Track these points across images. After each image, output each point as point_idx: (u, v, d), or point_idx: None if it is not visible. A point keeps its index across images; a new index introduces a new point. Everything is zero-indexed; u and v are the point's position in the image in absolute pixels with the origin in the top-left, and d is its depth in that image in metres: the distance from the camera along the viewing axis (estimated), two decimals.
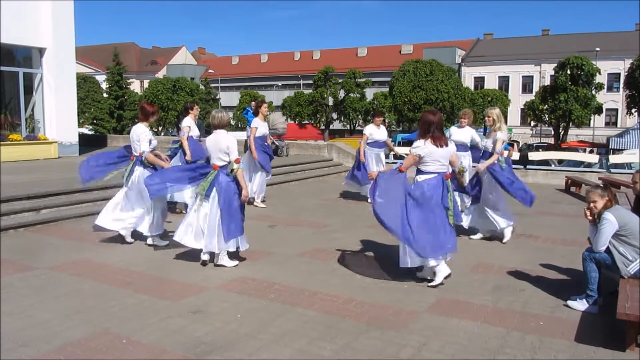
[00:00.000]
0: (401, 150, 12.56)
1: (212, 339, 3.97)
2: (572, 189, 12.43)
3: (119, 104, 43.16)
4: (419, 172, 5.34)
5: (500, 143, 7.14)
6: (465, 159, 8.39)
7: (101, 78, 52.48)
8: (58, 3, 15.21)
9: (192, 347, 3.84)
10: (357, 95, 46.40)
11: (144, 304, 4.71)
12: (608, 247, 4.55)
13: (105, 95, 46.73)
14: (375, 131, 10.26)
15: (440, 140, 5.24)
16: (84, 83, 49.90)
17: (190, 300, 4.80)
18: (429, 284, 5.24)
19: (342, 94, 46.60)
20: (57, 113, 15.57)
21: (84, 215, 8.49)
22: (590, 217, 4.76)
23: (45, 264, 5.92)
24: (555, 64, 37.78)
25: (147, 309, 4.60)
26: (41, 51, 15.37)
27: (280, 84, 62.46)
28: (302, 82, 62.16)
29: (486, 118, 7.24)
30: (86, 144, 18.76)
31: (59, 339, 3.96)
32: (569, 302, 4.73)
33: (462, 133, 8.55)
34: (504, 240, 7.13)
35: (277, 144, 16.20)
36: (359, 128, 49.31)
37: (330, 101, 47.24)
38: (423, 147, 5.23)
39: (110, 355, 3.71)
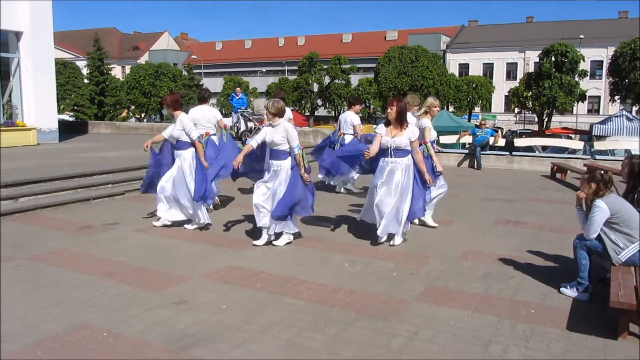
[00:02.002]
0: None
1: (197, 331, 3.84)
2: (558, 175, 12.45)
3: (100, 90, 42.27)
4: (404, 153, 5.97)
5: None
6: None
7: (82, 64, 51.41)
8: None
9: (175, 339, 3.71)
10: (342, 81, 46.15)
11: (126, 295, 4.56)
12: (599, 235, 4.50)
13: (85, 81, 45.79)
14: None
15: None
16: (64, 69, 48.81)
17: (174, 291, 4.66)
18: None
19: (327, 80, 46.31)
20: (36, 99, 15.20)
21: (64, 204, 8.29)
22: (578, 202, 4.76)
23: (24, 254, 5.73)
24: (539, 51, 37.92)
25: (129, 300, 4.45)
26: (18, 35, 14.94)
27: (264, 70, 61.90)
28: (286, 68, 61.66)
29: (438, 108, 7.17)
30: (66, 130, 18.39)
31: (36, 333, 3.80)
32: (561, 289, 4.69)
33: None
34: None
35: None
36: None
37: (315, 87, 46.94)
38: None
39: (89, 350, 3.56)
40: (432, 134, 7.11)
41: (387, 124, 6.04)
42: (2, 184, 8.12)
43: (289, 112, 9.45)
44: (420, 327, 3.96)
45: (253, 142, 6.01)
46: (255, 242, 6.13)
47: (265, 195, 5.94)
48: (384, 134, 5.98)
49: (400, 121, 5.93)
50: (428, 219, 7.13)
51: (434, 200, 7.08)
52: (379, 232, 6.03)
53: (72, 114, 43.36)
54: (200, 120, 8.11)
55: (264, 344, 3.66)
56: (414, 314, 4.20)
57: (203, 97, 8.65)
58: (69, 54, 63.41)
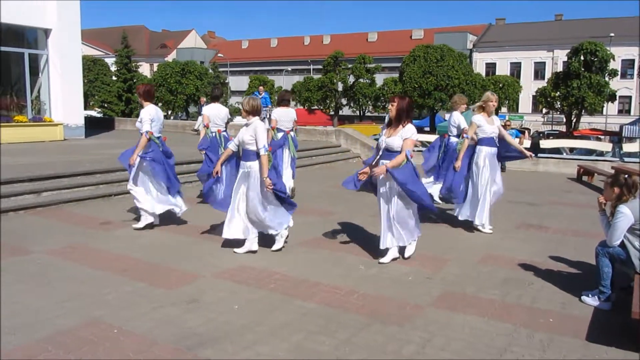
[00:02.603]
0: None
1: (206, 330, 3.81)
2: (585, 178, 12.15)
3: (127, 87, 42.88)
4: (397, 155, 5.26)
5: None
6: None
7: (111, 61, 52.21)
8: None
9: (183, 338, 3.68)
10: (367, 80, 45.91)
11: (138, 292, 4.56)
12: (623, 242, 4.33)
13: (114, 78, 46.50)
14: None
15: None
16: (94, 66, 49.68)
17: (186, 289, 4.64)
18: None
19: (351, 79, 46.14)
20: (63, 95, 15.44)
21: (86, 199, 8.39)
22: (600, 207, 4.60)
23: (41, 248, 5.80)
24: (568, 50, 37.15)
25: (141, 297, 4.45)
26: (46, 32, 15.20)
27: (289, 69, 62.00)
28: (311, 67, 61.65)
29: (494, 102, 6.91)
30: (93, 126, 18.68)
31: (48, 327, 3.82)
32: (582, 298, 4.54)
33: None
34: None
35: None
36: (368, 114, 48.89)
37: (340, 86, 46.80)
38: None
39: (100, 346, 3.56)
40: (485, 130, 6.80)
41: (389, 123, 5.46)
42: (26, 178, 8.26)
43: (292, 112, 9.40)
44: (433, 333, 3.86)
45: (232, 146, 5.72)
46: (237, 250, 5.77)
47: (242, 202, 5.68)
48: (382, 134, 5.49)
49: (399, 120, 5.28)
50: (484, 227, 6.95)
51: (486, 206, 6.88)
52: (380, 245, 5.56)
53: (100, 110, 44.06)
54: (213, 118, 8.20)
55: (272, 347, 3.60)
56: (428, 320, 4.10)
57: (216, 95, 8.72)
58: (98, 51, 64.49)
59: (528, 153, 7.07)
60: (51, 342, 3.61)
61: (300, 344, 3.66)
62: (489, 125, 6.85)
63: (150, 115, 6.64)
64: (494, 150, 6.90)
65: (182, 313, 4.12)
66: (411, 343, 3.70)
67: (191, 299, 4.40)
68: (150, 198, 6.71)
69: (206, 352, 3.50)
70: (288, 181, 8.80)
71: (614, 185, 4.37)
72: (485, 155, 6.85)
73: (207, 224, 6.90)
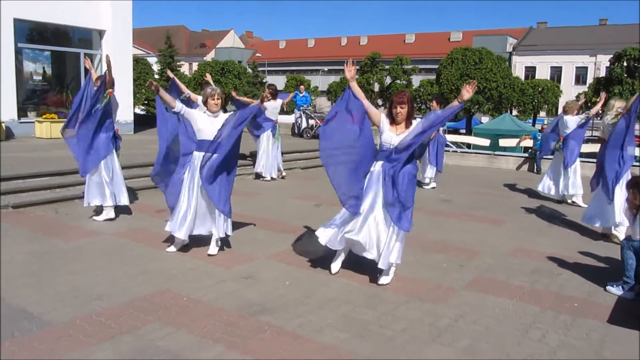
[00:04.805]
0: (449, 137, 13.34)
1: (263, 301, 4.33)
2: None
3: (170, 86, 44.17)
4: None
5: None
6: None
7: (152, 60, 53.69)
8: None
9: (245, 307, 4.21)
10: (404, 82, 46.06)
11: (200, 269, 5.12)
12: None
13: (156, 76, 47.87)
14: None
15: None
16: (136, 65, 50.98)
17: (243, 268, 5.18)
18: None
19: (388, 80, 46.37)
20: (115, 92, 16.25)
21: (142, 189, 9.05)
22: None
23: (109, 231, 6.42)
24: (612, 55, 36.54)
25: (203, 273, 5.01)
26: (101, 33, 16.09)
27: (326, 69, 62.56)
28: None
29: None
30: (140, 123, 19.56)
31: (127, 294, 4.40)
32: (607, 287, 4.87)
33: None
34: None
35: None
36: None
37: (376, 87, 47.09)
38: None
39: (173, 310, 4.12)
40: None
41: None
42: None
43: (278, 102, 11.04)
44: (466, 311, 4.28)
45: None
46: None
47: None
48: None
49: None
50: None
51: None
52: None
53: (143, 107, 45.42)
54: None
55: (322, 316, 4.10)
56: (462, 300, 4.53)
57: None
58: (140, 51, 66.30)
59: None
60: (132, 306, 4.18)
61: (347, 314, 4.14)
62: None
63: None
64: None
65: (241, 287, 4.66)
66: (445, 317, 4.14)
67: (248, 276, 4.94)
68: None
69: (266, 318, 4.02)
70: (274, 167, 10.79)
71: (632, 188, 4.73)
72: None
73: (257, 214, 7.44)
